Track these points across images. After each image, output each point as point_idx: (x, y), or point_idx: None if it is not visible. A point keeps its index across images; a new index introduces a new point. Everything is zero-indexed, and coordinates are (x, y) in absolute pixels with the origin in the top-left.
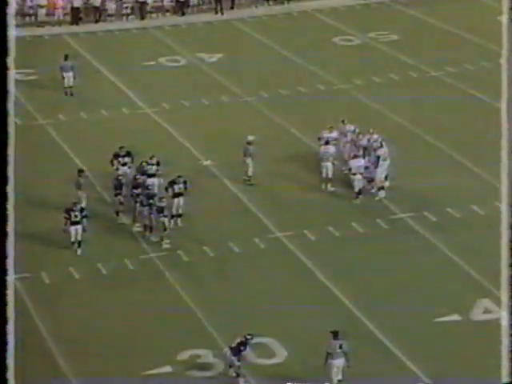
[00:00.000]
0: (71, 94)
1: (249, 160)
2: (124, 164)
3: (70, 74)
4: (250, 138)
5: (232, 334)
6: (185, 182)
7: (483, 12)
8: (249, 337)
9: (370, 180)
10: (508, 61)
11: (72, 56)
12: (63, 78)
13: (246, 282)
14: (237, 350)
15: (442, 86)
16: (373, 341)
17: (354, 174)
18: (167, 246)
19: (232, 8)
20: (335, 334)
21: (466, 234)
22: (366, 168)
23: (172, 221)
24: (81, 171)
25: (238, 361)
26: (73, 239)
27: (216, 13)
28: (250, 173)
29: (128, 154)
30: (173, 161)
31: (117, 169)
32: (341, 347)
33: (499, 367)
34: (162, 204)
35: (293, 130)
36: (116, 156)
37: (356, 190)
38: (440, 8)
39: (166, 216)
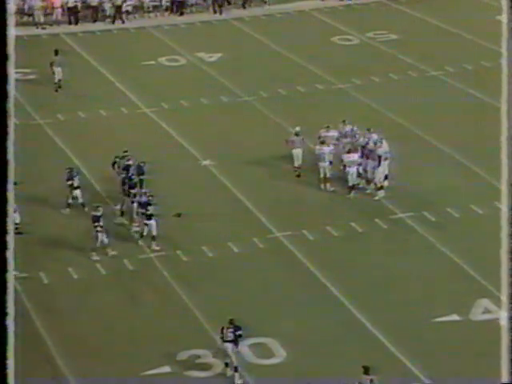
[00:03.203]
0: (59, 87)
1: (296, 151)
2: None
3: (60, 68)
4: (297, 128)
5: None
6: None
7: (483, 12)
8: (233, 321)
9: (370, 180)
10: (508, 61)
11: (71, 56)
12: (53, 73)
13: (245, 281)
14: (234, 341)
15: (441, 85)
16: (372, 341)
17: (349, 167)
18: (113, 252)
19: (229, 3)
20: (366, 370)
21: (465, 233)
22: (360, 164)
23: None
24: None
25: (236, 347)
26: None
27: (214, 12)
28: (296, 164)
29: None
30: (172, 161)
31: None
32: (372, 382)
33: (499, 367)
34: (98, 213)
35: (291, 130)
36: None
37: (350, 184)
38: (439, 7)
39: (101, 227)
